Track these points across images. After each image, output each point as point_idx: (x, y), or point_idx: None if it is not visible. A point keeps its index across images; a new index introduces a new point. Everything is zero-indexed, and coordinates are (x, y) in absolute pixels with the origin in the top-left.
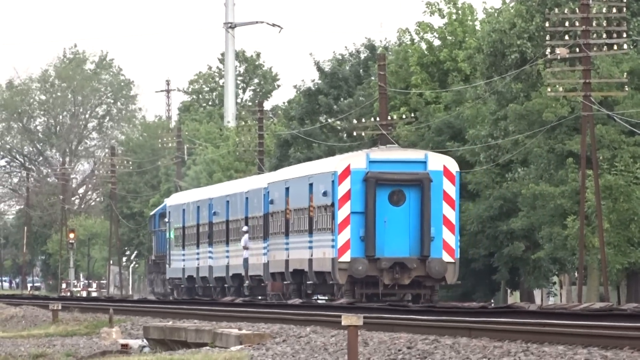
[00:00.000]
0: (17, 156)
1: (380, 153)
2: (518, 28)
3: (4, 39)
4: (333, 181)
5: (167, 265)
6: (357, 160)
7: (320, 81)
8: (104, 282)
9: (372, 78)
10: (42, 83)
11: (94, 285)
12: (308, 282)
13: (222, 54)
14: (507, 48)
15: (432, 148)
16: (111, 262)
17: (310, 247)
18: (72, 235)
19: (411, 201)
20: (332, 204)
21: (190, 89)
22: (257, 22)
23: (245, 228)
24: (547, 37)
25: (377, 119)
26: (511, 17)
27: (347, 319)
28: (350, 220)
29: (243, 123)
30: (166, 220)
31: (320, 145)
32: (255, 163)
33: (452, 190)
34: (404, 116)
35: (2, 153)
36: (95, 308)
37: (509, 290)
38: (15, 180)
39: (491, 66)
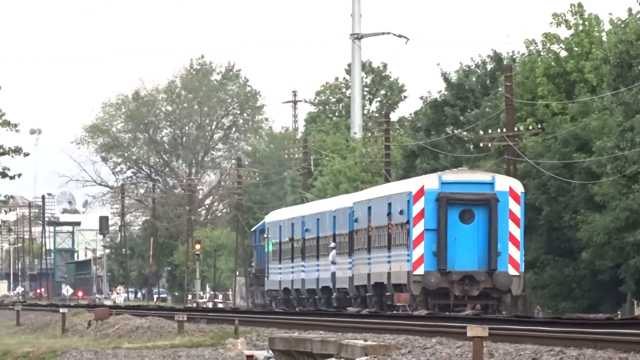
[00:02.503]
0: (144, 167)
1: (451, 175)
2: None
3: (131, 50)
4: (408, 201)
5: (265, 278)
6: (431, 181)
7: (446, 92)
8: (230, 293)
9: (499, 89)
10: (169, 94)
11: (220, 296)
12: (387, 294)
13: (349, 65)
14: (634, 59)
15: (558, 159)
16: (237, 273)
17: (389, 262)
18: (198, 247)
19: (480, 219)
20: (408, 222)
21: (316, 100)
22: (383, 33)
23: (332, 244)
24: None
25: (504, 130)
26: (638, 27)
27: (473, 330)
28: (424, 236)
29: (369, 134)
30: (265, 236)
31: (446, 156)
32: (381, 174)
33: (517, 209)
34: (530, 127)
35: (128, 164)
36: (221, 319)
37: (635, 302)
38: (142, 191)
39: (618, 77)
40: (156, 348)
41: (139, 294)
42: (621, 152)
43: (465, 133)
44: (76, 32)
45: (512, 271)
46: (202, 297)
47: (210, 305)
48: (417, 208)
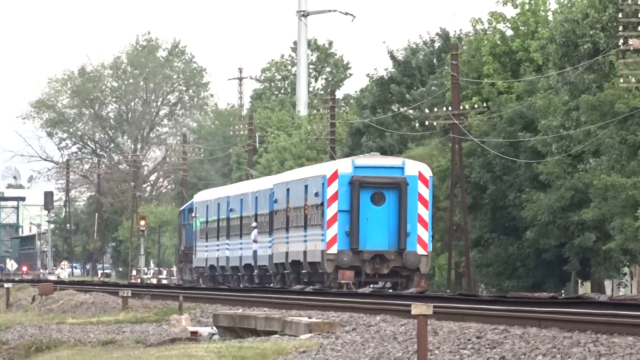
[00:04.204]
0: (89, 143)
1: (364, 159)
2: (591, 18)
3: (77, 26)
4: (323, 183)
5: (193, 255)
6: (344, 165)
7: (393, 70)
8: (174, 269)
9: (445, 67)
10: (115, 70)
11: (164, 272)
12: (303, 271)
13: (295, 42)
14: (580, 38)
15: (503, 138)
16: None
17: (305, 241)
18: (142, 223)
19: (390, 201)
20: (322, 203)
21: (262, 77)
22: (330, 11)
23: (254, 224)
24: (620, 28)
25: (449, 108)
26: (584, 7)
27: (417, 308)
28: (337, 217)
29: (315, 111)
30: (193, 215)
31: (392, 134)
32: (327, 151)
33: (426, 192)
34: (476, 106)
35: (74, 139)
36: (165, 295)
37: (579, 281)
38: (87, 166)
39: (563, 56)
40: (100, 324)
41: (83, 270)
42: (566, 131)
43: (411, 111)
44: (22, 6)
45: (420, 251)
46: (146, 273)
47: (154, 281)
48: (331, 190)
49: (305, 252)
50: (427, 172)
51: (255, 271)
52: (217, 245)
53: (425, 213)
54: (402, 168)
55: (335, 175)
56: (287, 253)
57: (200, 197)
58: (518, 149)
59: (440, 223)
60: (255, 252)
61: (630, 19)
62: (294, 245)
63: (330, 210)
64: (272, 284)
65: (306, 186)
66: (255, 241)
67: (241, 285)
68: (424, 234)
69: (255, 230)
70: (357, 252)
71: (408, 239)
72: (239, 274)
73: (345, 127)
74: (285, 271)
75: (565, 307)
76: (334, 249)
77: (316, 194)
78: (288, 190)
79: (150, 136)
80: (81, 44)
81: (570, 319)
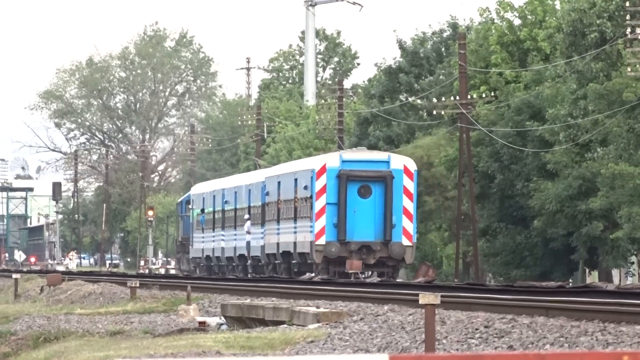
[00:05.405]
0: (97, 133)
1: (351, 154)
2: (598, 7)
3: (85, 17)
4: (312, 177)
5: (190, 246)
6: (332, 159)
7: (401, 59)
8: None
9: (453, 57)
10: (122, 60)
11: (172, 262)
12: (293, 262)
13: (303, 32)
14: (587, 27)
15: (511, 127)
16: None
17: (295, 232)
18: (151, 213)
19: (376, 194)
20: (311, 196)
21: (270, 67)
22: (337, 0)
23: (247, 216)
24: (627, 17)
25: (457, 97)
26: None
27: (425, 298)
28: (325, 210)
29: (323, 101)
30: (190, 207)
31: (400, 123)
32: (334, 141)
33: (411, 185)
34: (483, 95)
35: (82, 130)
36: (173, 285)
37: (587, 270)
38: (95, 157)
39: (571, 45)
40: (108, 314)
41: (92, 260)
42: (574, 120)
43: (419, 100)
44: None
45: (405, 242)
46: (154, 264)
47: (162, 271)
48: (319, 184)
49: (295, 243)
50: (412, 166)
51: (249, 261)
52: (213, 236)
53: (410, 205)
54: (388, 162)
55: (323, 169)
56: (278, 244)
57: (197, 189)
58: (526, 138)
59: (448, 212)
60: (248, 242)
61: (637, 8)
62: (284, 237)
63: (319, 203)
64: (264, 274)
65: (296, 179)
66: (248, 232)
67: (249, 276)
68: (409, 226)
69: (249, 222)
70: (344, 243)
71: (393, 231)
72: (233, 264)
73: (353, 116)
74: (276, 261)
75: (572, 296)
76: (322, 240)
77: (305, 187)
78: (279, 183)
79: (158, 126)
80: (89, 35)
81: (578, 308)
